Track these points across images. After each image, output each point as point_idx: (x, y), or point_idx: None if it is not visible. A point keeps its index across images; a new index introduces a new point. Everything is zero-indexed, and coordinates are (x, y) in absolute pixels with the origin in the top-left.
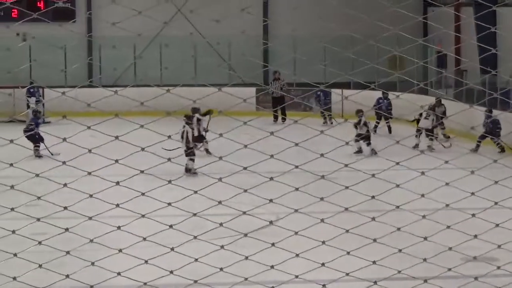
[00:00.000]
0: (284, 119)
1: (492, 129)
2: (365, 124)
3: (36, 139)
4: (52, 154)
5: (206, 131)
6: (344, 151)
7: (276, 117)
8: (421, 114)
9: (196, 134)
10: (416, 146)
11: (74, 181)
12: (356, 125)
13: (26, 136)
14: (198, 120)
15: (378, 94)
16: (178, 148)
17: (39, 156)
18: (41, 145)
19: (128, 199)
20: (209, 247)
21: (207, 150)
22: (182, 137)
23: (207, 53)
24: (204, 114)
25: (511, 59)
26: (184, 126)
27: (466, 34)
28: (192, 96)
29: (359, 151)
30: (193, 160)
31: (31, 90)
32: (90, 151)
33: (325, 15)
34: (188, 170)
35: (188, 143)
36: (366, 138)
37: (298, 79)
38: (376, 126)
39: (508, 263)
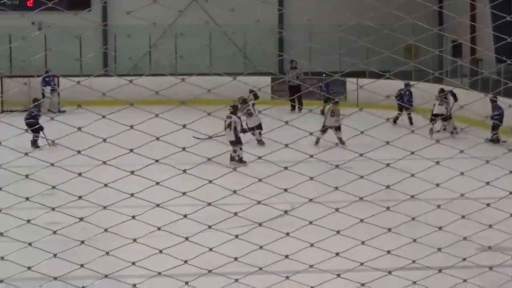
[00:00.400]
0: (300, 108)
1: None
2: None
3: (36, 129)
4: (49, 145)
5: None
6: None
7: (293, 106)
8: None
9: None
10: (431, 132)
11: (89, 170)
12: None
13: (27, 124)
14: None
15: (393, 83)
16: (209, 138)
17: (37, 146)
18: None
19: (143, 188)
20: (223, 236)
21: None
22: (229, 127)
23: (222, 42)
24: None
25: None
26: (230, 117)
27: (482, 23)
28: (207, 85)
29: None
30: (241, 148)
31: (47, 79)
32: (105, 140)
33: (340, 4)
34: (235, 159)
35: (236, 132)
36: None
37: (313, 68)
38: (397, 118)
39: None
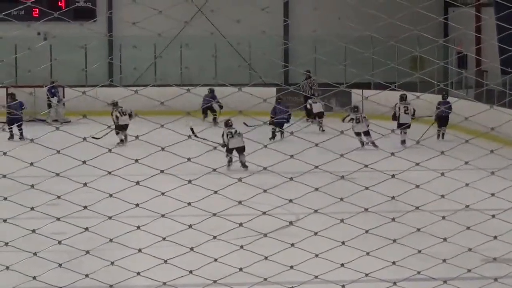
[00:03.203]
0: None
1: None
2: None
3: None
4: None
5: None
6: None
7: (310, 116)
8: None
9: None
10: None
11: (94, 180)
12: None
13: (13, 120)
14: None
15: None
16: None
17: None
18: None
19: (148, 198)
20: (228, 247)
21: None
22: (239, 135)
23: (227, 53)
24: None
25: None
26: (233, 127)
27: (487, 35)
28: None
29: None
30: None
31: (52, 90)
32: (110, 150)
33: (345, 15)
34: (244, 165)
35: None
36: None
37: (318, 79)
38: (438, 132)
39: None
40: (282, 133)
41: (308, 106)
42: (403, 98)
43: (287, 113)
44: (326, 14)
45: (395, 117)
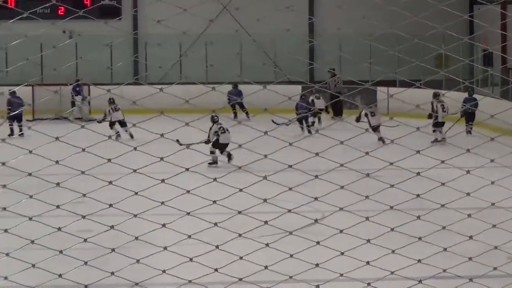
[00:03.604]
0: (334, 117)
1: None
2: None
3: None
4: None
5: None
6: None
7: (336, 113)
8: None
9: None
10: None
11: (120, 178)
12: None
13: (12, 116)
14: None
15: (424, 92)
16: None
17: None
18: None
19: (174, 196)
20: (254, 245)
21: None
22: (228, 130)
23: (252, 50)
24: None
25: None
26: (221, 123)
27: None
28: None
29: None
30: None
31: (77, 88)
32: (135, 148)
33: (370, 13)
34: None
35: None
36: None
37: (343, 77)
38: (467, 128)
39: None
40: (308, 126)
41: (310, 102)
42: (437, 96)
43: (309, 109)
44: (350, 12)
45: (431, 116)
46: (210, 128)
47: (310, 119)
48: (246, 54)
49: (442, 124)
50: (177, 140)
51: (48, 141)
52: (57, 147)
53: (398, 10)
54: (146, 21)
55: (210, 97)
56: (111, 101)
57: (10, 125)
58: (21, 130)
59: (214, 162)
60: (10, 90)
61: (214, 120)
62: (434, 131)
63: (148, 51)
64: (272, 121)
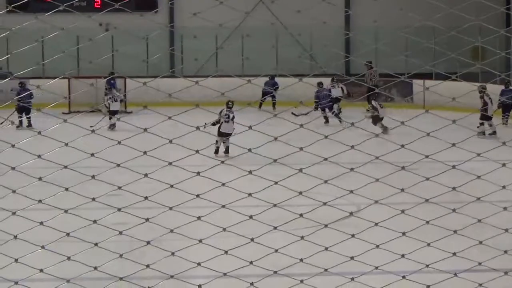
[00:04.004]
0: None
1: None
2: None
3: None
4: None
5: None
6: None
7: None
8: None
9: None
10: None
11: (155, 171)
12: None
13: (19, 108)
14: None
15: (460, 85)
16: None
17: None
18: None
19: (209, 189)
20: (289, 237)
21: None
22: (232, 120)
23: (288, 43)
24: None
25: None
26: (232, 111)
27: None
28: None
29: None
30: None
31: (112, 81)
32: (171, 141)
33: (407, 5)
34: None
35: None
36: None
37: (380, 69)
38: (504, 120)
39: None
40: (336, 115)
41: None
42: (484, 89)
43: (329, 97)
44: (387, 4)
45: (483, 109)
46: (220, 112)
47: (335, 107)
48: (282, 47)
49: (491, 117)
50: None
51: (84, 133)
52: (92, 140)
53: (435, 3)
54: (182, 14)
55: (246, 90)
56: (106, 93)
57: (19, 117)
58: (29, 122)
59: (215, 151)
60: (20, 82)
61: (228, 106)
62: (481, 124)
63: (184, 43)
64: (292, 113)
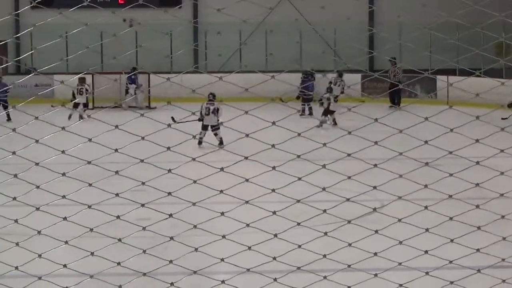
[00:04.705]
0: (392, 106)
1: None
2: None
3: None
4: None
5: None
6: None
7: (393, 102)
8: None
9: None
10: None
11: (178, 167)
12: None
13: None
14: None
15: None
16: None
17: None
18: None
19: (232, 185)
20: (312, 233)
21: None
22: (213, 113)
23: (312, 39)
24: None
25: None
26: (213, 103)
27: None
28: (297, 82)
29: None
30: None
31: (133, 77)
32: (194, 137)
33: (430, 1)
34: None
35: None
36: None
37: (404, 65)
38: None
39: None
40: (310, 108)
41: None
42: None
43: (313, 88)
44: (410, 0)
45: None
46: (201, 106)
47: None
48: (306, 43)
49: None
50: (172, 118)
51: (107, 129)
52: (116, 135)
53: None
54: (206, 9)
55: (270, 86)
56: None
57: None
58: (8, 117)
59: (198, 142)
60: None
61: (209, 98)
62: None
63: (208, 39)
64: (280, 99)
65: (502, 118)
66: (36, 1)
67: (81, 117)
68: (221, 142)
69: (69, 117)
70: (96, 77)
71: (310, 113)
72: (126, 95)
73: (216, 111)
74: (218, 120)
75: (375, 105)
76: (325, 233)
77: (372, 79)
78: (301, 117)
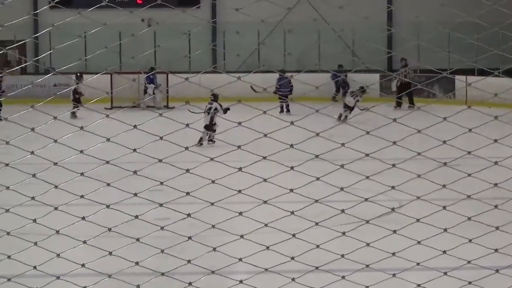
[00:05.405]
0: (411, 106)
1: None
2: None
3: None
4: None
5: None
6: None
7: (398, 104)
8: None
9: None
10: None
11: (196, 167)
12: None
13: None
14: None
15: (502, 81)
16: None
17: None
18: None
19: (250, 185)
20: (330, 233)
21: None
22: (207, 112)
23: (330, 39)
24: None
25: None
26: (211, 103)
27: None
28: (315, 82)
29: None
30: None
31: (151, 76)
32: (210, 139)
33: (449, 1)
34: (204, 140)
35: (212, 118)
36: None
37: (422, 65)
38: None
39: None
40: (288, 106)
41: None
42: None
43: (290, 84)
44: (429, 0)
45: None
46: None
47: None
48: (324, 43)
49: None
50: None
51: (126, 129)
52: (134, 135)
53: None
54: (225, 9)
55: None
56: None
57: None
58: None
59: (199, 141)
60: None
61: (210, 98)
62: None
63: (226, 39)
64: (251, 87)
65: None
66: (55, 1)
67: (74, 114)
68: (210, 140)
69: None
70: (115, 77)
71: (288, 110)
72: (145, 95)
73: (213, 111)
74: (213, 121)
75: (391, 104)
76: (343, 233)
77: (389, 78)
78: (280, 114)
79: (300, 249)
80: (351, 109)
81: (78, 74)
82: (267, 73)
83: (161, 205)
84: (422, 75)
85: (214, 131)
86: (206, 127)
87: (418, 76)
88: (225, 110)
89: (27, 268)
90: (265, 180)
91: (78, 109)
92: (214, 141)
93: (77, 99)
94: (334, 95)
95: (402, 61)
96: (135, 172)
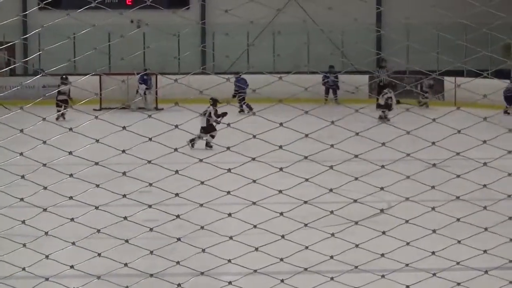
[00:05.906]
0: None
1: None
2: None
3: None
4: None
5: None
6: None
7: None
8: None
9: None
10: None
11: (186, 168)
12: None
13: None
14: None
15: (491, 82)
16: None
17: None
18: None
19: (239, 186)
20: (319, 234)
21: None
22: (203, 114)
23: (320, 40)
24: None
25: None
26: (208, 107)
27: None
28: (305, 84)
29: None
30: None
31: (145, 77)
32: (203, 139)
33: (438, 2)
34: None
35: (209, 120)
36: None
37: (411, 66)
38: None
39: None
40: (248, 105)
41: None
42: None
43: (246, 86)
44: (418, 2)
45: None
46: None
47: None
48: (314, 44)
49: None
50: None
51: (115, 130)
52: (123, 137)
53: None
54: (214, 11)
55: (277, 87)
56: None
57: None
58: None
59: (191, 141)
60: None
61: (210, 103)
62: None
63: (216, 40)
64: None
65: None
66: (44, 2)
67: (62, 115)
68: (207, 144)
69: (58, 118)
70: (104, 78)
71: (250, 108)
72: (136, 94)
73: (208, 115)
74: (208, 122)
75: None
76: (332, 234)
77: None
78: (240, 113)
79: (289, 250)
80: (384, 107)
81: (64, 76)
82: (257, 74)
83: (150, 206)
84: (411, 76)
85: (213, 137)
86: (202, 129)
87: (407, 77)
88: (222, 115)
89: (16, 270)
90: (254, 181)
91: (66, 110)
92: (211, 146)
93: (63, 100)
94: (325, 97)
95: (382, 62)
96: (124, 173)
